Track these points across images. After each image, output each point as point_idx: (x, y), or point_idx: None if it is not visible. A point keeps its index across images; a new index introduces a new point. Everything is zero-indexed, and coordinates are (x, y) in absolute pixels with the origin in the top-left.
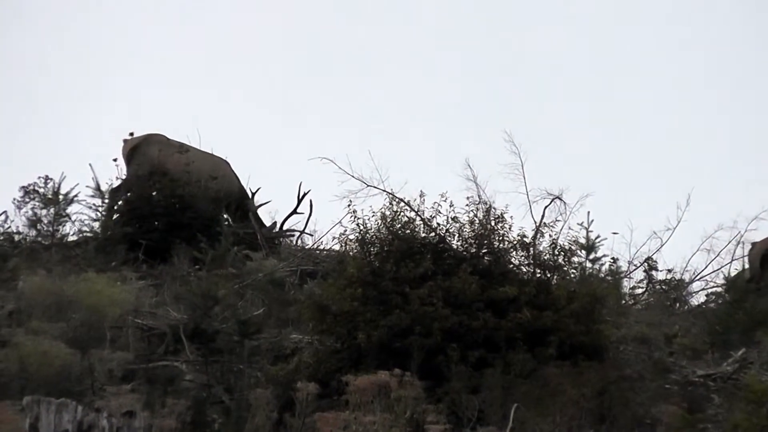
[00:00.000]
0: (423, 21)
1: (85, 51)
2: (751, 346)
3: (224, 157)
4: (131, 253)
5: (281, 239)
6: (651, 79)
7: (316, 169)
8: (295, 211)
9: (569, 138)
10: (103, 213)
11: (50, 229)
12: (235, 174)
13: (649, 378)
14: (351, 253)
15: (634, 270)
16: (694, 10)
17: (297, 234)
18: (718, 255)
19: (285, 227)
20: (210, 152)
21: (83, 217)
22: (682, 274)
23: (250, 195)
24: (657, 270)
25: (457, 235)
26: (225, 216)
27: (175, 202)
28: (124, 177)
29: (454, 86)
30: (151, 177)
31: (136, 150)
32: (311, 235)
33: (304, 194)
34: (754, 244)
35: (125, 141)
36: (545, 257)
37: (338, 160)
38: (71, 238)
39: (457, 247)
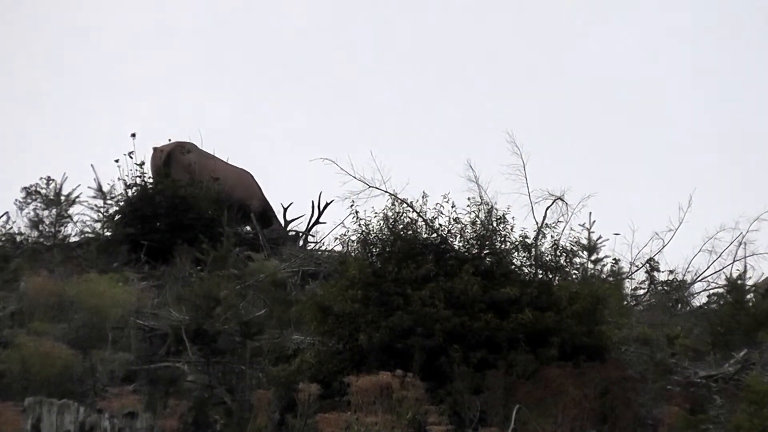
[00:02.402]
0: (424, 20)
1: (87, 51)
2: (753, 346)
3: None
4: (133, 253)
5: (302, 239)
6: (653, 79)
7: (318, 169)
8: (318, 221)
9: (571, 139)
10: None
11: (52, 229)
12: (257, 185)
13: (650, 379)
14: (353, 254)
15: (636, 271)
16: (697, 10)
17: (300, 235)
18: (719, 256)
19: (307, 234)
20: (234, 165)
21: (85, 218)
22: (684, 275)
23: (272, 207)
24: (659, 271)
25: (459, 236)
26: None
27: (177, 203)
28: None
29: (456, 86)
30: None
31: (172, 157)
32: (313, 236)
33: (327, 204)
34: None
35: (155, 149)
36: (547, 258)
37: (340, 160)
38: (73, 239)
39: (459, 248)
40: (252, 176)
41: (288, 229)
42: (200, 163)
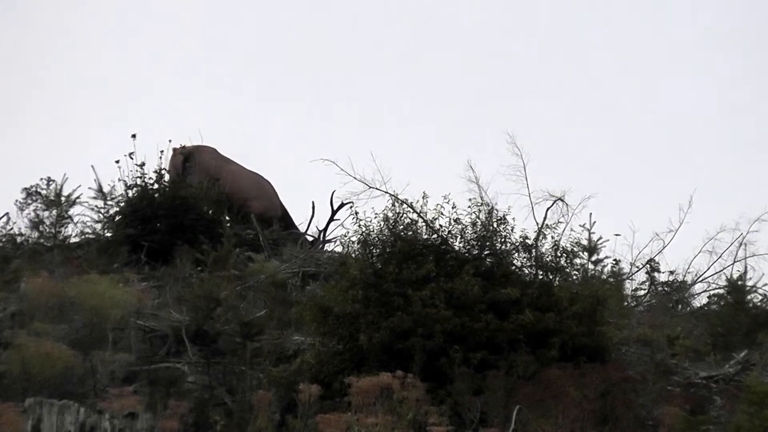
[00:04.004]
0: (425, 20)
1: (88, 51)
2: (753, 347)
3: (267, 177)
4: (133, 254)
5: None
6: (653, 80)
7: (318, 170)
8: (332, 219)
9: (571, 139)
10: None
11: (52, 230)
12: (276, 194)
13: (651, 380)
14: (353, 255)
15: (637, 272)
16: (696, 9)
17: (300, 236)
18: (720, 257)
19: (325, 235)
20: (254, 171)
21: (85, 218)
22: (685, 276)
23: (290, 214)
24: (659, 272)
25: (459, 236)
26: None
27: (177, 204)
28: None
29: (456, 87)
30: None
31: (190, 159)
32: (313, 237)
33: (341, 204)
34: None
35: (174, 150)
36: (547, 259)
37: (340, 161)
38: (73, 240)
39: (460, 249)
40: (271, 184)
41: (297, 231)
42: (219, 167)
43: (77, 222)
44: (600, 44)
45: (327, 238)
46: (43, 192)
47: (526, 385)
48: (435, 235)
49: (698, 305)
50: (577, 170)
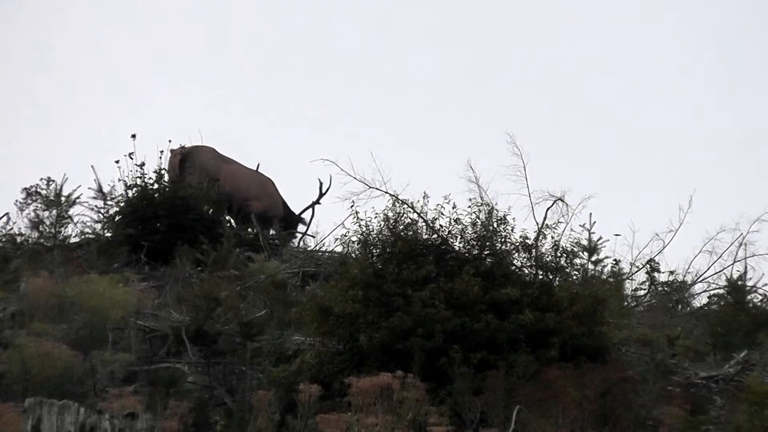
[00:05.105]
0: (425, 21)
1: (87, 51)
2: (753, 347)
3: (269, 176)
4: (133, 254)
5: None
6: (653, 80)
7: (318, 170)
8: (317, 202)
9: (571, 139)
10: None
11: (52, 230)
12: (279, 193)
13: (651, 380)
14: (353, 255)
15: (637, 272)
16: (696, 10)
17: (300, 236)
18: (720, 257)
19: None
20: (255, 170)
21: (85, 218)
22: (685, 276)
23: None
24: (659, 272)
25: (459, 236)
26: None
27: (177, 204)
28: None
29: (457, 87)
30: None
31: (188, 159)
32: (313, 237)
33: (323, 189)
34: None
35: (173, 151)
36: (547, 259)
37: (340, 161)
38: (73, 240)
39: (460, 249)
40: (272, 182)
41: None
42: (218, 167)
43: (77, 222)
44: (601, 44)
45: (321, 235)
46: (43, 192)
47: (526, 385)
48: (435, 235)
49: (698, 305)
50: (577, 170)
